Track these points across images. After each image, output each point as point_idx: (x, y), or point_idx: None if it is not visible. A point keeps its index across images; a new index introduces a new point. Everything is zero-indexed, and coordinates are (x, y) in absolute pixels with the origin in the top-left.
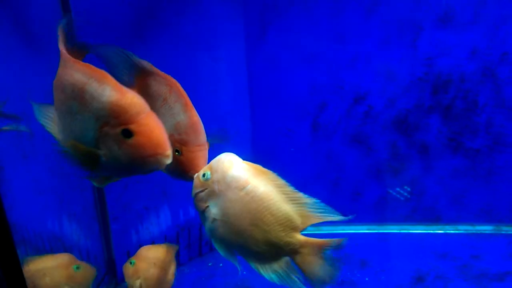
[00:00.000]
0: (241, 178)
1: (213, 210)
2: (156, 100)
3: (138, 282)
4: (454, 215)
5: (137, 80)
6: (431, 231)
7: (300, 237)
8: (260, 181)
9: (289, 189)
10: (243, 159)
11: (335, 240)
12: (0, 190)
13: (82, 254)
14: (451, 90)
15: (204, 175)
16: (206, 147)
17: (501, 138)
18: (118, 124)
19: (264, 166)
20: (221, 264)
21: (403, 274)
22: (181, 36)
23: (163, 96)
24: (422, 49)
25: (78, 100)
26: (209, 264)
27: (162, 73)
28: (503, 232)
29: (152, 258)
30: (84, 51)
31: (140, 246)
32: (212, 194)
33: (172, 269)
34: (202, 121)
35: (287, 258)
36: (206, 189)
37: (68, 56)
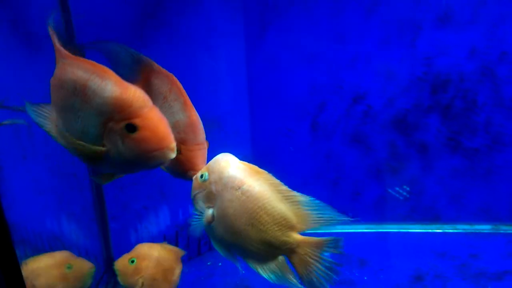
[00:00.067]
0: (236, 178)
1: (211, 211)
2: (156, 98)
3: (140, 281)
4: (453, 214)
5: (140, 77)
6: (430, 231)
7: (297, 236)
8: (255, 181)
9: (284, 188)
10: (243, 159)
11: (333, 239)
12: None
13: (81, 253)
14: (450, 89)
15: (202, 176)
16: (205, 146)
17: (500, 137)
18: (121, 119)
19: (263, 166)
20: (220, 264)
21: (402, 273)
22: (181, 35)
23: (163, 94)
24: (421, 49)
25: (80, 96)
26: (208, 264)
27: (164, 71)
28: (502, 232)
29: (155, 256)
30: (78, 51)
31: None
32: (210, 195)
33: (177, 271)
34: (202, 120)
35: (284, 258)
36: (204, 190)
37: (67, 53)
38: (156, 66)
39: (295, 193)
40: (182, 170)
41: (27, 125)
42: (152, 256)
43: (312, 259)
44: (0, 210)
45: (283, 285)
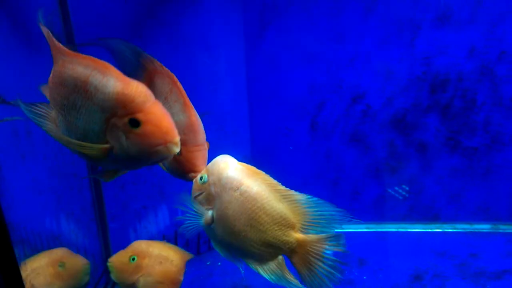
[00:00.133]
0: (234, 179)
1: (211, 212)
2: (157, 98)
3: (142, 280)
4: (452, 213)
5: (143, 75)
6: (429, 230)
7: (297, 235)
8: (253, 181)
9: (282, 188)
10: (242, 158)
11: (334, 235)
12: None
13: (80, 253)
14: (449, 89)
15: (201, 178)
16: (205, 147)
17: (499, 136)
18: (125, 114)
19: (263, 165)
20: (219, 263)
21: (401, 273)
22: (180, 35)
23: (164, 95)
24: (420, 49)
25: (82, 93)
26: (208, 263)
27: (165, 71)
28: (501, 231)
29: (158, 255)
30: (75, 48)
31: None
32: (210, 197)
33: (180, 278)
34: (201, 120)
35: (283, 258)
36: (203, 192)
37: (67, 49)
38: (159, 65)
39: (293, 192)
40: (182, 171)
41: (25, 121)
42: (152, 254)
43: (314, 257)
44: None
45: (284, 285)
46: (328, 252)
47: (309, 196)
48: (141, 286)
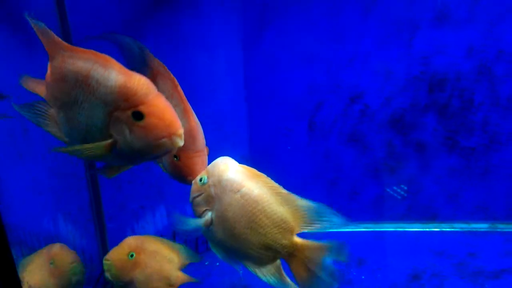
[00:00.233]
0: (235, 181)
1: (210, 214)
2: None
3: (139, 275)
4: (450, 213)
5: (147, 74)
6: (427, 229)
7: (296, 239)
8: (254, 184)
9: (284, 191)
10: (241, 159)
11: (336, 244)
12: None
13: (78, 253)
14: (447, 88)
15: (201, 179)
16: (205, 152)
17: (497, 136)
18: (127, 107)
19: (262, 165)
20: (217, 263)
21: (399, 272)
22: (179, 35)
23: None
24: (418, 48)
25: (83, 88)
26: (206, 263)
27: (168, 74)
28: (499, 230)
29: (152, 250)
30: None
31: None
32: (209, 198)
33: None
34: (200, 120)
35: (280, 261)
36: (203, 193)
37: (67, 44)
38: (163, 67)
39: (294, 196)
40: (181, 176)
41: (20, 118)
42: (154, 251)
43: (312, 264)
44: None
45: None
46: (328, 260)
47: (310, 201)
48: (139, 282)
